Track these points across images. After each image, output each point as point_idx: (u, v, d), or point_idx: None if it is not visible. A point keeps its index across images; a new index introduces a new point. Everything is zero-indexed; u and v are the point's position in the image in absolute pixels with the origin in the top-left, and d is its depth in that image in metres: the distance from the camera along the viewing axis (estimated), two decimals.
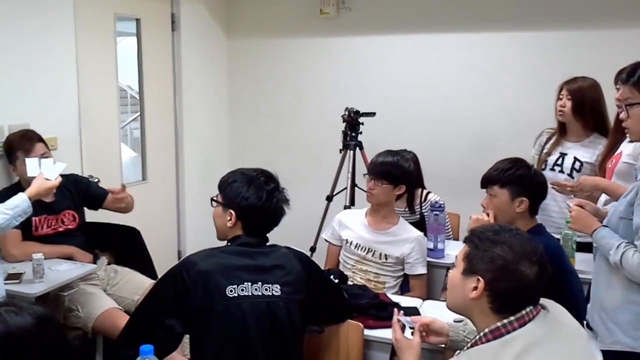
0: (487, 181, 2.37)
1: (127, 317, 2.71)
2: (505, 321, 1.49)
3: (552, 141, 3.20)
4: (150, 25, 4.10)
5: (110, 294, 3.05)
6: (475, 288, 1.52)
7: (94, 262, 3.08)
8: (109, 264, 3.22)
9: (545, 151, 3.20)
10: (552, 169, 3.12)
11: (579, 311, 2.14)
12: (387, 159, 2.81)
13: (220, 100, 4.85)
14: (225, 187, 2.05)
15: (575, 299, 2.24)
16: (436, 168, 3.97)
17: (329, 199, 4.13)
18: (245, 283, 1.90)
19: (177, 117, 4.41)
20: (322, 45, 4.57)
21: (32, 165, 2.60)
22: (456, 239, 3.53)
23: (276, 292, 1.93)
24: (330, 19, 4.43)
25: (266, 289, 1.93)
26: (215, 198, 2.09)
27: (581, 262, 2.72)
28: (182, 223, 4.52)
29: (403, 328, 1.87)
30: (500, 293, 1.49)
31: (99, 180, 3.63)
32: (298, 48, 4.64)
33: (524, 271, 1.48)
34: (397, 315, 1.90)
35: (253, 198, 2.00)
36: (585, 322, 2.13)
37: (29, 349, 1.10)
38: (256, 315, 1.89)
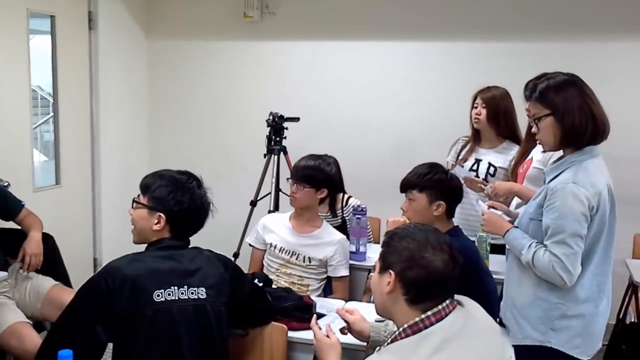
0: (406, 185, 2.45)
1: (34, 332, 2.66)
2: (422, 316, 1.54)
3: (467, 148, 3.34)
4: (65, 23, 3.94)
5: (21, 303, 2.88)
6: (389, 283, 1.58)
7: (4, 271, 2.90)
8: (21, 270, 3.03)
9: (460, 157, 3.34)
10: (468, 174, 3.22)
11: (492, 308, 2.23)
12: (309, 163, 2.85)
13: (140, 102, 4.73)
14: (153, 190, 2.00)
15: (490, 297, 2.33)
16: (358, 173, 4.01)
17: (253, 204, 4.09)
18: (172, 287, 1.89)
19: (94, 119, 4.26)
20: (246, 49, 4.55)
21: None
22: (377, 242, 3.56)
23: (202, 295, 1.93)
24: (254, 23, 4.42)
25: (192, 293, 1.92)
26: (137, 200, 2.04)
27: (495, 263, 2.84)
28: (98, 229, 4.36)
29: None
30: (411, 282, 1.55)
31: (8, 184, 3.46)
32: (221, 51, 4.60)
33: (429, 258, 1.54)
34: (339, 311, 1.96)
35: (187, 203, 1.99)
36: (498, 319, 2.22)
37: None
38: (185, 320, 1.88)
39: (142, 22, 4.63)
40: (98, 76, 4.22)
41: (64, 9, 3.92)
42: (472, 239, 2.77)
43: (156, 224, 1.99)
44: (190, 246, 2.06)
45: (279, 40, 4.46)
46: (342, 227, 3.31)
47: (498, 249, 2.83)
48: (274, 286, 2.76)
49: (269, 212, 3.79)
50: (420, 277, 1.54)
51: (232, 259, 3.88)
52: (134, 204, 2.05)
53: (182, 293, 1.90)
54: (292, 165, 3.05)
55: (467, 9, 4.08)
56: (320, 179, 2.83)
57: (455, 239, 2.28)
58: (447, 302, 1.57)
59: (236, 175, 4.61)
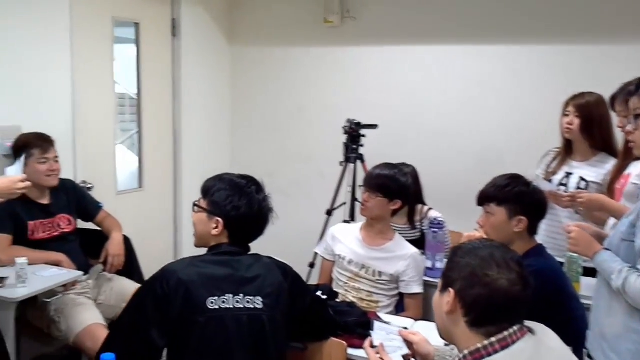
0: (483, 198, 2.27)
1: None
2: (486, 342, 1.38)
3: (557, 160, 3.08)
4: (149, 30, 4.02)
5: (101, 304, 3.00)
6: (449, 302, 1.44)
7: (85, 271, 3.03)
8: (102, 271, 3.16)
9: (550, 170, 3.08)
10: (557, 189, 2.97)
11: (578, 338, 2.03)
12: (384, 172, 2.72)
13: (222, 108, 4.76)
14: (213, 194, 1.97)
15: (576, 325, 2.13)
16: (439, 183, 3.85)
17: (329, 213, 4.02)
18: (227, 295, 1.83)
19: (176, 125, 4.32)
20: (325, 54, 4.48)
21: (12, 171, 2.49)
22: None
23: (258, 304, 1.85)
24: (334, 28, 4.35)
25: (248, 301, 1.85)
26: (198, 203, 2.01)
27: (588, 287, 2.57)
28: (179, 233, 4.43)
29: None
30: (472, 303, 1.40)
31: (92, 187, 3.61)
32: (301, 57, 4.56)
33: (492, 276, 1.38)
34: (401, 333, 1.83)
35: (245, 208, 1.93)
36: (585, 350, 2.00)
37: None
38: (239, 329, 1.81)
39: (225, 28, 4.67)
40: (181, 82, 4.26)
41: (148, 16, 4.01)
42: (560, 259, 2.53)
43: (214, 228, 1.95)
44: (251, 252, 2.00)
45: (359, 45, 4.35)
46: (421, 241, 3.15)
47: (592, 272, 2.56)
48: (340, 300, 2.66)
49: (344, 222, 3.70)
50: (482, 297, 1.39)
51: (308, 269, 3.85)
52: (195, 207, 2.02)
53: (237, 301, 1.83)
54: (366, 173, 2.93)
55: (558, 8, 3.78)
56: (394, 189, 2.69)
57: (536, 259, 2.13)
58: (515, 328, 1.39)
59: (314, 183, 4.54)
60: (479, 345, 1.38)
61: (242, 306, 1.83)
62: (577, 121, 2.92)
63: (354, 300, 2.71)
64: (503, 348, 1.36)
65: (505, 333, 1.37)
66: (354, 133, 3.84)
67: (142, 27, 3.97)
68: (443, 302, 1.46)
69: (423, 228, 3.25)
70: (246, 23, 4.69)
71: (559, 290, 2.12)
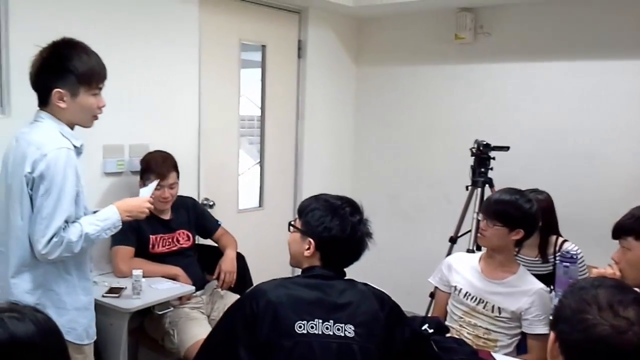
0: (619, 231, 1.98)
1: None
2: None
3: None
4: (276, 51, 4.07)
5: (213, 319, 3.02)
6: (551, 345, 1.28)
7: (201, 286, 3.10)
8: (216, 288, 3.21)
9: None
10: None
11: None
12: (504, 197, 2.45)
13: (345, 129, 4.70)
14: (307, 214, 1.90)
15: None
16: (579, 213, 3.53)
17: (453, 240, 3.77)
18: (316, 320, 1.72)
19: (299, 145, 4.33)
20: (455, 72, 4.25)
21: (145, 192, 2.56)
22: None
23: (349, 333, 1.72)
24: (465, 44, 4.13)
25: (338, 329, 1.73)
26: (293, 223, 1.95)
27: None
28: None
29: None
30: (570, 347, 1.22)
31: (213, 204, 3.67)
32: (430, 75, 4.37)
33: (590, 320, 1.17)
34: None
35: (336, 230, 1.84)
36: None
37: (29, 356, 1.08)
38: (326, 357, 1.69)
39: (351, 48, 4.62)
40: (304, 102, 4.27)
41: (275, 38, 4.05)
42: None
43: (307, 249, 1.87)
44: (346, 278, 1.88)
45: (492, 62, 4.08)
46: (553, 276, 2.82)
47: None
48: (450, 335, 2.42)
49: (467, 251, 3.45)
50: (581, 343, 1.19)
51: (429, 299, 3.61)
52: (290, 227, 1.96)
53: (327, 328, 1.71)
54: (486, 198, 2.68)
55: None
56: (516, 217, 2.41)
57: None
58: None
59: (439, 208, 4.31)
60: None
61: (331, 333, 1.72)
62: None
63: (470, 337, 2.47)
64: None
65: None
66: (482, 155, 3.58)
67: (268, 49, 4.02)
68: (550, 344, 1.27)
69: (556, 262, 2.89)
70: (373, 42, 4.61)
71: None
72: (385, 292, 1.88)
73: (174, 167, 3.07)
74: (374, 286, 1.88)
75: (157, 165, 3.01)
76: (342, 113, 4.64)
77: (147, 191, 2.45)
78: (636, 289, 2.39)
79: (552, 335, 1.27)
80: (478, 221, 3.49)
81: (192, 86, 3.50)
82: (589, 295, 1.22)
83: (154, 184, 2.55)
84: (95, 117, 2.20)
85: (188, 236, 3.17)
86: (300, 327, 1.70)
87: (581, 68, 3.77)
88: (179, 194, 3.13)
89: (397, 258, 4.39)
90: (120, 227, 2.24)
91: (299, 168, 4.34)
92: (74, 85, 2.08)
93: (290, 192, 4.35)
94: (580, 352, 1.20)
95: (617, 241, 2.09)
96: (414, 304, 4.31)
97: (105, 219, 2.18)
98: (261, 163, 4.15)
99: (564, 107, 3.83)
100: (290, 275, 1.92)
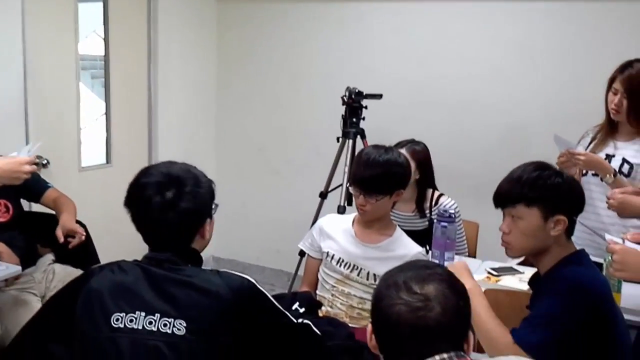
0: (505, 198, 1.77)
1: None
2: None
3: (596, 140, 2.63)
4: None
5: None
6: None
7: (32, 262, 2.74)
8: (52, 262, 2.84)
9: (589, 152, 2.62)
10: (595, 174, 2.54)
11: None
12: (376, 171, 2.20)
13: (206, 75, 4.32)
14: None
15: (622, 350, 1.70)
16: (453, 164, 3.48)
17: (323, 195, 3.58)
18: (137, 312, 1.46)
19: (152, 92, 3.92)
20: (324, 12, 3.97)
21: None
22: (472, 255, 2.96)
23: (178, 330, 1.44)
24: None
25: (165, 324, 1.45)
26: None
27: (629, 298, 2.12)
28: None
29: None
30: (380, 334, 1.23)
31: (47, 163, 3.23)
32: (296, 15, 4.07)
33: (388, 300, 1.20)
34: None
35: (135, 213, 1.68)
36: None
37: None
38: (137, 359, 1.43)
39: None
40: (157, 43, 3.86)
41: None
42: (596, 259, 1.99)
43: None
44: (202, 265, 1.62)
45: (364, 0, 3.84)
46: (430, 231, 2.70)
47: None
48: (328, 310, 2.24)
49: (339, 207, 3.29)
50: (385, 327, 1.22)
51: (298, 257, 3.38)
52: None
53: (150, 322, 1.45)
54: (353, 167, 2.43)
55: None
56: (394, 183, 2.23)
57: (577, 269, 1.72)
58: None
59: (310, 161, 4.11)
60: None
61: (153, 329, 1.45)
62: (625, 103, 2.47)
63: (343, 308, 2.27)
64: None
65: None
66: (354, 104, 3.37)
67: None
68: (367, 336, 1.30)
69: (433, 217, 2.85)
70: None
71: (608, 313, 1.66)
72: (241, 276, 1.54)
73: None
74: (234, 272, 1.56)
75: None
76: (201, 55, 4.27)
77: (25, 151, 2.21)
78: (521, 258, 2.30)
79: (369, 326, 1.26)
80: (349, 189, 3.34)
81: (13, 23, 3.02)
82: (392, 279, 1.22)
83: (37, 144, 2.31)
84: None
85: (7, 205, 2.73)
86: (117, 319, 1.47)
87: (460, 11, 3.62)
88: None
89: (266, 214, 4.25)
90: None
91: (153, 118, 3.96)
92: None
93: (144, 146, 3.97)
94: (388, 336, 1.20)
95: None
96: (283, 262, 4.15)
97: None
98: (107, 113, 3.72)
99: (442, 53, 3.70)
100: (124, 260, 1.61)
